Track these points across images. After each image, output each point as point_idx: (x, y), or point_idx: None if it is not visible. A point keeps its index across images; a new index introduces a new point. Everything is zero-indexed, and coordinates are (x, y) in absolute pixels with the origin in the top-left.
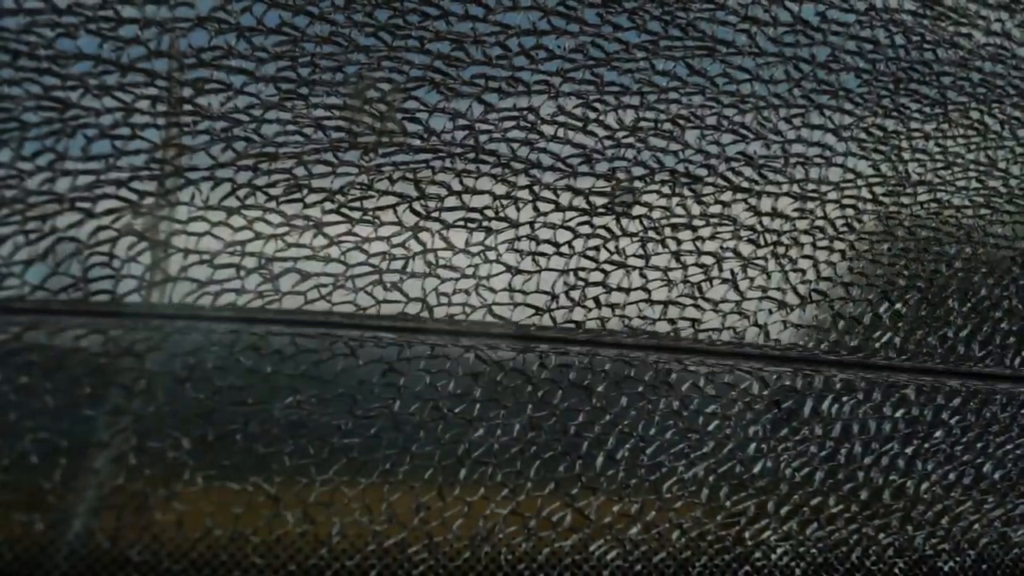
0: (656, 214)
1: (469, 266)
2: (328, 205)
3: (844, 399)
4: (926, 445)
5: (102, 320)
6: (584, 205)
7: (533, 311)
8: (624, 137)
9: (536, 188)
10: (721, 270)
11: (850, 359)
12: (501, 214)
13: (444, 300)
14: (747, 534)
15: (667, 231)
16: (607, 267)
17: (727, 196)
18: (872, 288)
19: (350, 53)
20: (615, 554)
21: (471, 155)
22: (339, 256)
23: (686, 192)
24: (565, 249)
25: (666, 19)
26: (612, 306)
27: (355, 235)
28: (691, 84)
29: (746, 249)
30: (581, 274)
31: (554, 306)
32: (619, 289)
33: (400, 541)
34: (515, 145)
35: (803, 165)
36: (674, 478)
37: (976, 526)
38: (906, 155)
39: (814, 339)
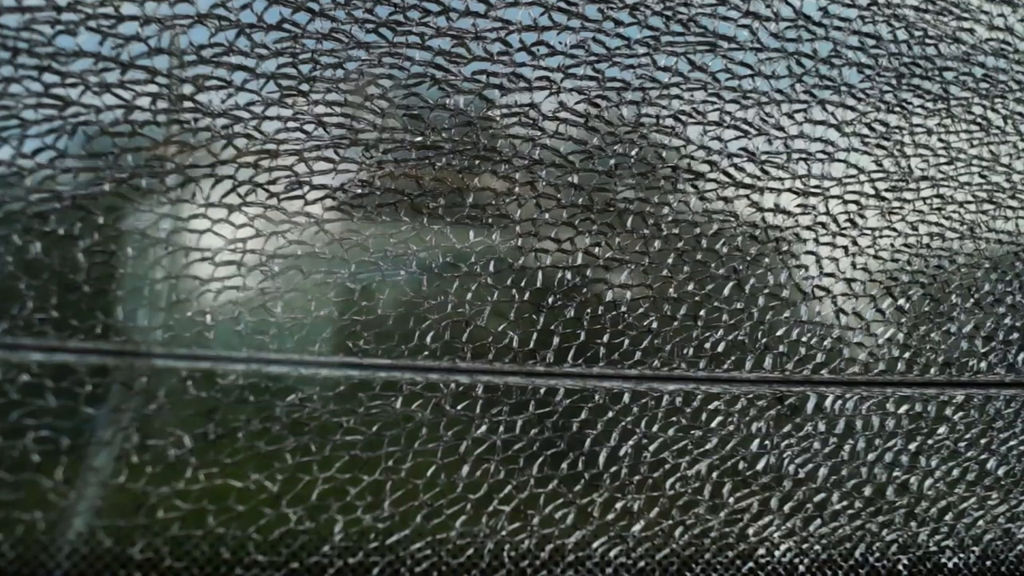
0: (658, 210)
1: (470, 263)
2: (329, 202)
3: (847, 395)
4: (930, 441)
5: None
6: (587, 202)
7: (535, 307)
8: (626, 133)
9: (537, 185)
10: (723, 266)
11: (855, 379)
12: (502, 211)
13: (444, 297)
14: (751, 530)
15: (669, 227)
16: (609, 263)
17: (729, 192)
18: (875, 283)
19: (351, 50)
20: (618, 551)
21: (472, 152)
22: (341, 253)
23: (688, 188)
24: (567, 246)
25: (668, 15)
26: (613, 302)
27: (356, 232)
28: (693, 80)
29: (748, 245)
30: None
31: (556, 303)
32: (620, 286)
33: (403, 538)
34: (516, 141)
35: (805, 160)
36: (677, 475)
37: (980, 522)
38: (909, 150)
39: (817, 336)
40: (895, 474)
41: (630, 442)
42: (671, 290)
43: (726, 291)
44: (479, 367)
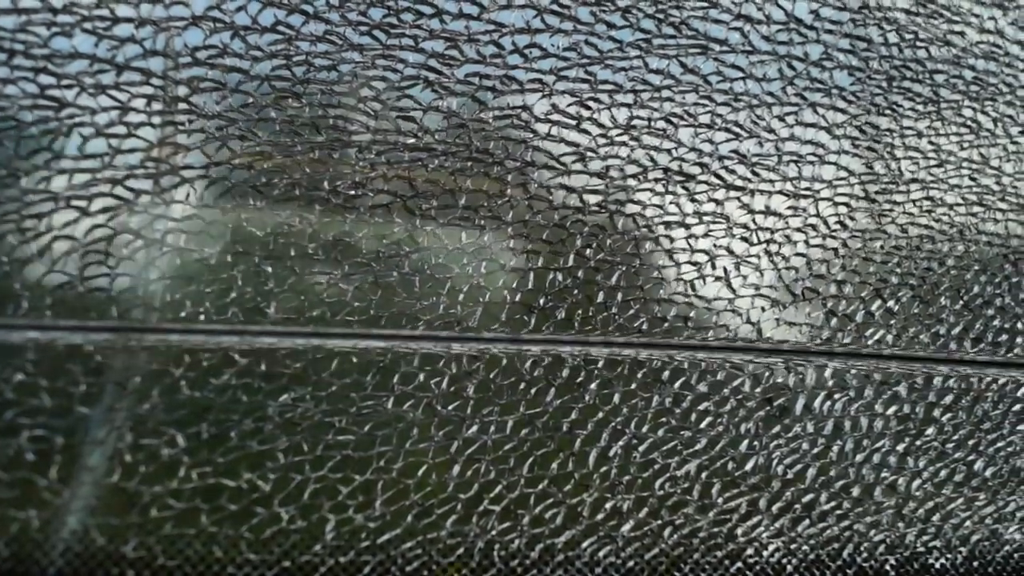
0: (649, 212)
1: (463, 264)
2: (322, 204)
3: (836, 396)
4: (917, 442)
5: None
6: (578, 203)
7: (526, 308)
8: (618, 135)
9: (529, 186)
10: (714, 267)
11: (840, 350)
12: (495, 212)
13: (436, 298)
14: (739, 531)
15: (660, 229)
16: (600, 265)
17: (720, 194)
18: (865, 286)
19: (344, 52)
20: (607, 550)
21: (465, 153)
22: (334, 255)
23: (679, 190)
24: (559, 247)
25: (659, 17)
26: (604, 303)
27: (349, 233)
28: (684, 82)
29: (739, 247)
30: (574, 272)
31: (548, 304)
32: (611, 287)
33: (394, 538)
34: (509, 144)
35: (796, 163)
36: (666, 475)
37: (967, 523)
38: (899, 153)
39: (807, 336)
40: (883, 475)
41: (620, 443)
42: (661, 291)
43: (717, 292)
44: (467, 335)
